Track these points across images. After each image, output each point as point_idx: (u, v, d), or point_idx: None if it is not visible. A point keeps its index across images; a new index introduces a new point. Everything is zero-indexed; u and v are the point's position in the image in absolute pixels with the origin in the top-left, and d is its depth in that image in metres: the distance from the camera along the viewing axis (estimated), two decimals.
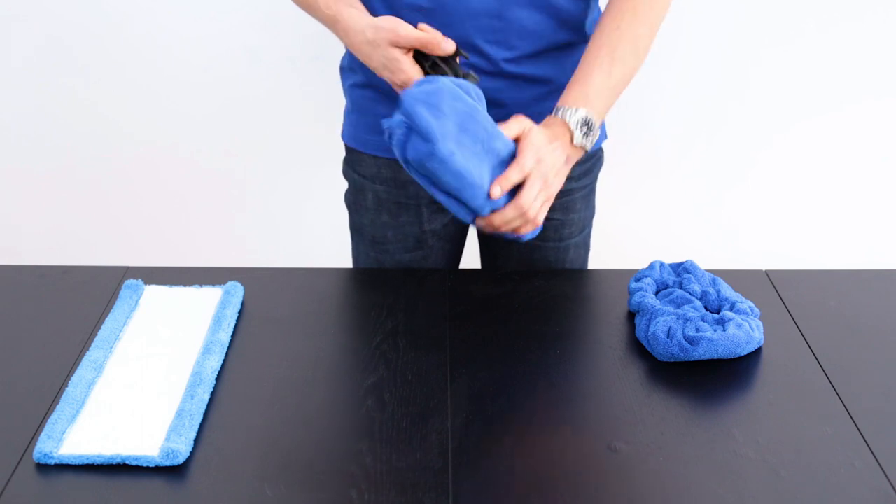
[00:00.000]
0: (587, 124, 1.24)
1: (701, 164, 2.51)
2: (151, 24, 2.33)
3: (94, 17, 2.32)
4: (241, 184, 2.52)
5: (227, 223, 2.56)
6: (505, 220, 1.18)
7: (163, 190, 2.51)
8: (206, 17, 2.33)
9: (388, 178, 1.44)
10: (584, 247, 1.54)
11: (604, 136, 1.49)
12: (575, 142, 1.24)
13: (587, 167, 1.47)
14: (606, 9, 1.31)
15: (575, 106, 1.24)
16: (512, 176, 1.16)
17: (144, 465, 0.98)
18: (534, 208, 1.18)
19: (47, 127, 2.45)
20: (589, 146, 1.26)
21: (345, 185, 1.53)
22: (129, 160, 2.47)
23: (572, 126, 1.23)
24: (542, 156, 1.19)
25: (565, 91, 1.27)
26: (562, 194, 1.45)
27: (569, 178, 1.44)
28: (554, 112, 1.25)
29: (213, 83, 2.39)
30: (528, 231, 1.21)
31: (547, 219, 1.45)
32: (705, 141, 2.48)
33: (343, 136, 1.49)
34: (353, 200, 1.50)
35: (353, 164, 1.48)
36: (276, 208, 2.55)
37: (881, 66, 2.41)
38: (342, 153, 1.52)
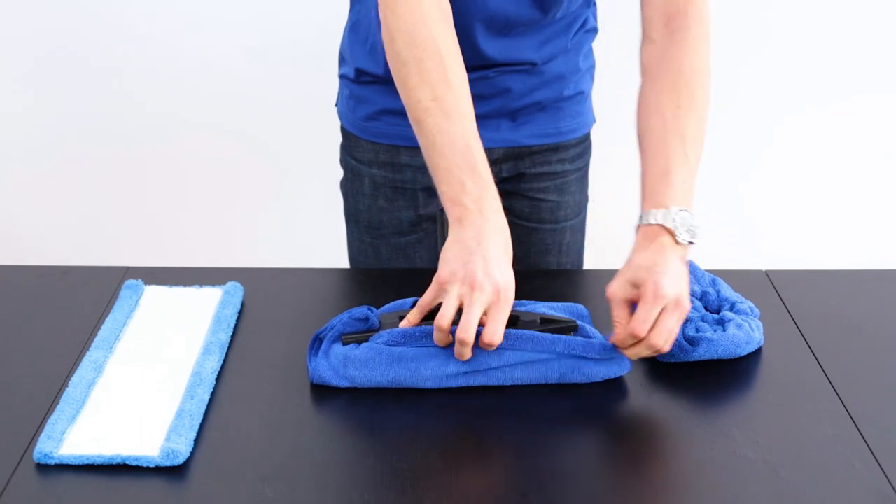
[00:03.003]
0: (685, 220, 1.14)
1: (700, 164, 2.50)
2: (151, 24, 2.33)
3: (93, 18, 2.32)
4: (241, 184, 2.52)
5: (227, 223, 2.56)
6: (634, 351, 1.10)
7: (163, 190, 2.51)
8: (206, 18, 2.33)
9: (386, 162, 1.44)
10: (581, 231, 1.55)
11: (592, 120, 1.50)
12: (679, 241, 1.13)
13: (580, 150, 1.49)
14: (655, 80, 1.23)
15: (666, 206, 1.14)
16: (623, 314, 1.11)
17: (144, 465, 0.98)
18: (659, 334, 1.08)
19: (47, 127, 2.45)
20: (696, 240, 1.15)
21: (339, 183, 1.53)
22: (130, 160, 2.48)
23: (671, 226, 1.13)
24: (639, 279, 1.10)
25: (649, 188, 1.17)
26: (557, 176, 1.47)
27: (563, 161, 1.46)
28: (644, 218, 1.15)
29: (213, 84, 2.39)
30: (668, 348, 1.10)
31: (542, 200, 1.48)
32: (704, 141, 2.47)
33: (341, 121, 1.49)
34: (350, 186, 1.50)
35: (350, 150, 1.49)
36: (276, 208, 2.55)
37: (882, 64, 2.41)
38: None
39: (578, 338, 1.13)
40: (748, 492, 0.96)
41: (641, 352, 1.10)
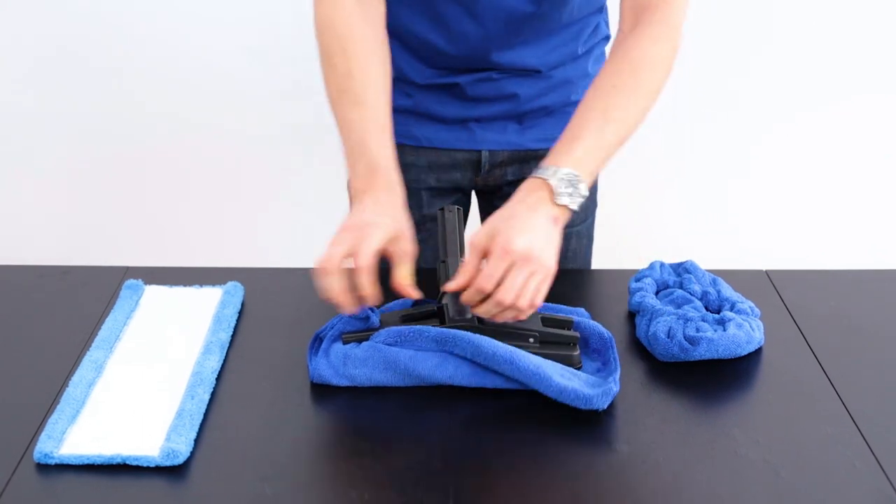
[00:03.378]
0: (572, 184, 1.11)
1: (701, 163, 2.51)
2: (151, 24, 2.33)
3: (94, 18, 2.32)
4: (241, 184, 2.52)
5: (227, 223, 2.56)
6: (484, 308, 1.07)
7: (163, 190, 2.51)
8: (206, 18, 2.33)
9: None
10: (588, 237, 1.54)
11: None
12: (557, 200, 1.10)
13: None
14: (605, 63, 1.23)
15: (557, 165, 1.12)
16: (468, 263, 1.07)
17: (144, 465, 0.98)
18: (506, 290, 1.04)
19: (47, 127, 2.45)
20: (575, 206, 1.11)
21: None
22: (130, 160, 2.48)
23: (553, 183, 1.10)
24: (496, 229, 1.07)
25: (553, 148, 1.15)
26: None
27: None
28: (536, 170, 1.13)
29: (213, 84, 2.39)
30: (525, 305, 1.06)
31: None
32: (705, 141, 2.48)
33: None
34: None
35: None
36: (276, 208, 2.55)
37: (881, 64, 2.41)
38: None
39: (559, 368, 1.10)
40: (748, 492, 0.96)
41: (491, 309, 1.06)
